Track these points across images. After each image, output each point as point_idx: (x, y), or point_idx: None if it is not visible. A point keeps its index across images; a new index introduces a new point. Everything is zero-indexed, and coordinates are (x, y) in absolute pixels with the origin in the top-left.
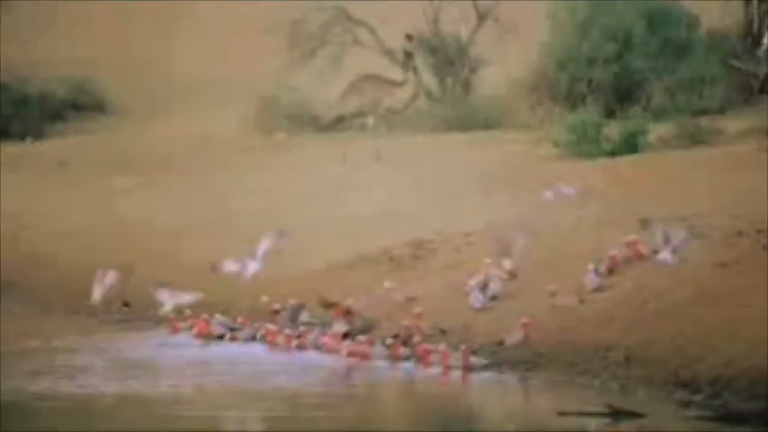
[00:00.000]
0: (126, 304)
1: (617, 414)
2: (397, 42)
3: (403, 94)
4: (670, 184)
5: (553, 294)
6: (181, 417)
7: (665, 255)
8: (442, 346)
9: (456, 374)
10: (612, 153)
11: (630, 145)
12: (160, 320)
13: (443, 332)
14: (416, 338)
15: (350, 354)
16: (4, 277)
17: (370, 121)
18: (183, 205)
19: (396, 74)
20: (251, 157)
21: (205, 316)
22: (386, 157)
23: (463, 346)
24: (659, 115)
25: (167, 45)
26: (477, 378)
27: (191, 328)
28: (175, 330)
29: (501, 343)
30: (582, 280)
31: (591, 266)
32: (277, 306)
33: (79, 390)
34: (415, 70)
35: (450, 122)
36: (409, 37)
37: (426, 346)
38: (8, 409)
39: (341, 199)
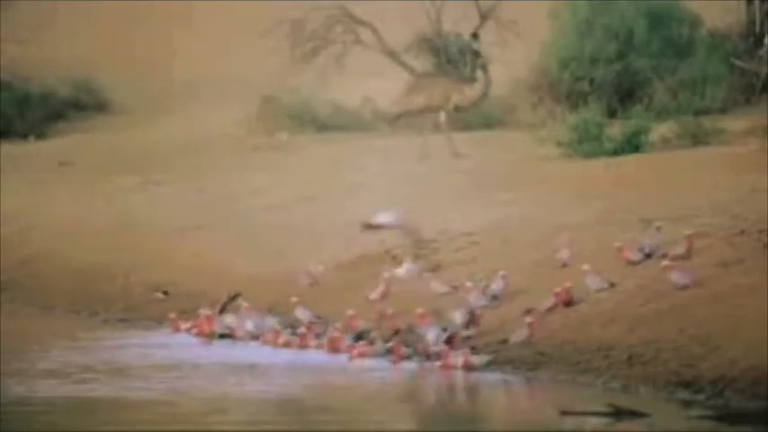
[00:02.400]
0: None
1: (619, 413)
2: (398, 42)
3: (472, 92)
4: (672, 183)
5: (556, 294)
6: (181, 418)
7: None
8: (443, 346)
9: (458, 374)
10: (614, 152)
11: (632, 144)
12: (162, 320)
13: (444, 330)
14: (417, 337)
15: (351, 353)
16: (4, 277)
17: (442, 117)
18: (185, 205)
19: (394, 73)
20: (252, 157)
21: (207, 315)
22: (388, 158)
23: (464, 346)
24: (661, 115)
25: (169, 45)
26: (478, 378)
27: (192, 327)
28: (177, 330)
29: (505, 341)
30: (583, 280)
31: (587, 267)
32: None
33: (79, 391)
34: (483, 67)
35: (452, 122)
36: (475, 35)
37: (427, 345)
38: (8, 410)
39: (342, 198)
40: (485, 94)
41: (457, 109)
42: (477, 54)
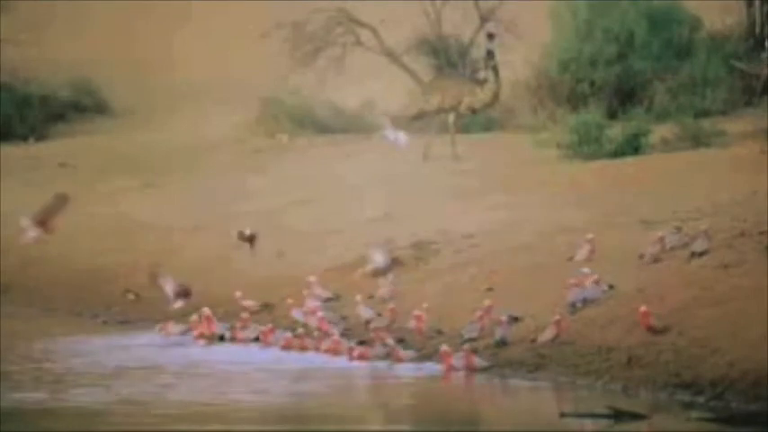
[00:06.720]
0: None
1: (619, 415)
2: (398, 44)
3: (483, 94)
4: (672, 185)
5: (557, 296)
6: (180, 420)
7: None
8: (444, 348)
9: (458, 375)
10: (615, 154)
11: (633, 146)
12: (161, 322)
13: (440, 332)
14: (418, 340)
15: (351, 355)
16: (4, 279)
17: (451, 119)
18: (185, 207)
19: (394, 76)
20: (253, 159)
21: (207, 317)
22: (388, 159)
23: (466, 347)
24: (661, 117)
25: (169, 46)
26: (479, 379)
27: (191, 329)
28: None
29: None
30: (583, 282)
31: (587, 270)
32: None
33: (79, 392)
34: (495, 69)
35: (456, 124)
36: (491, 36)
37: (428, 347)
38: (9, 412)
39: (343, 200)
40: (496, 97)
41: (470, 111)
42: (491, 55)
